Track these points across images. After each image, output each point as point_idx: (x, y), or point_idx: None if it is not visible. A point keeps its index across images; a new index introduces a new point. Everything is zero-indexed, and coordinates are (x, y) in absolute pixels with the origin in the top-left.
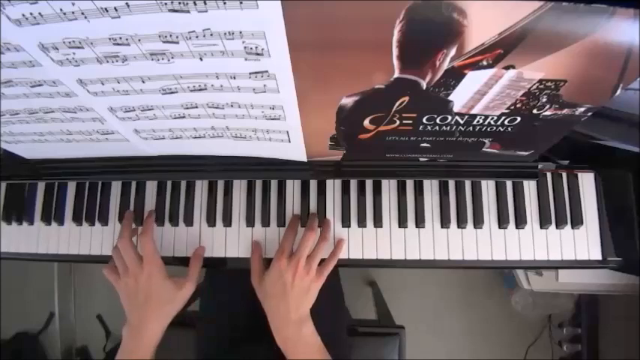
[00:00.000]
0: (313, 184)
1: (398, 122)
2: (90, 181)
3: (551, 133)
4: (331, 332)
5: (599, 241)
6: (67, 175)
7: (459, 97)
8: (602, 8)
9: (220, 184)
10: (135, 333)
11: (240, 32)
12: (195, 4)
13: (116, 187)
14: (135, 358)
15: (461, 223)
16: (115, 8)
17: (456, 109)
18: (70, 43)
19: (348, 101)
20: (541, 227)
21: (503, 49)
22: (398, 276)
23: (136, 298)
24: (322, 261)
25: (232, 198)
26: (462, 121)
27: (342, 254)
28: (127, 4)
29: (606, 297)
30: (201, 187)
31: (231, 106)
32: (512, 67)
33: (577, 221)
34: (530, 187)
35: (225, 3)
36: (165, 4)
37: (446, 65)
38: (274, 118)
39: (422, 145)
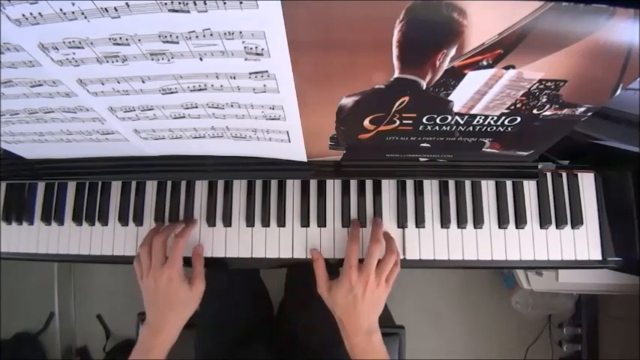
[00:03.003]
0: (313, 184)
1: (398, 122)
2: (90, 181)
3: (551, 133)
4: (332, 332)
5: (599, 241)
6: (67, 175)
7: (459, 97)
8: (602, 8)
9: (220, 184)
10: (152, 331)
11: (240, 32)
12: (195, 4)
13: (116, 187)
14: (150, 355)
15: (461, 223)
16: (115, 8)
17: (456, 109)
18: (70, 43)
19: (348, 101)
20: (541, 227)
21: (503, 49)
22: (398, 276)
23: (156, 299)
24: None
25: (232, 198)
26: (462, 121)
27: (343, 254)
28: (127, 4)
29: (606, 297)
30: (201, 187)
31: (231, 106)
32: (512, 67)
33: (577, 221)
34: (530, 187)
35: (225, 3)
36: (165, 4)
37: (446, 65)
38: (274, 118)
39: (422, 145)
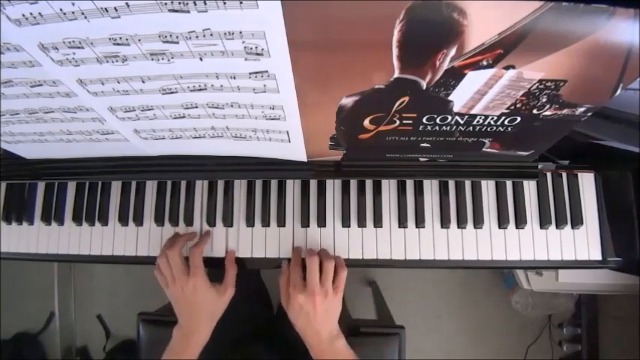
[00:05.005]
0: (313, 184)
1: (398, 122)
2: (90, 181)
3: (551, 133)
4: None
5: (599, 241)
6: (67, 175)
7: (459, 97)
8: (602, 8)
9: (220, 184)
10: (185, 334)
11: (240, 32)
12: (195, 4)
13: (116, 187)
14: (184, 356)
15: (461, 223)
16: (115, 8)
17: (456, 109)
18: (70, 43)
19: (348, 101)
20: (541, 227)
21: (503, 49)
22: (398, 276)
23: (185, 305)
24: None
25: (232, 198)
26: (462, 121)
27: (342, 254)
28: (127, 4)
29: (606, 297)
30: (201, 187)
31: (231, 106)
32: (512, 67)
33: (577, 221)
34: (530, 187)
35: (225, 3)
36: (165, 4)
37: (446, 65)
38: (274, 118)
39: (422, 145)
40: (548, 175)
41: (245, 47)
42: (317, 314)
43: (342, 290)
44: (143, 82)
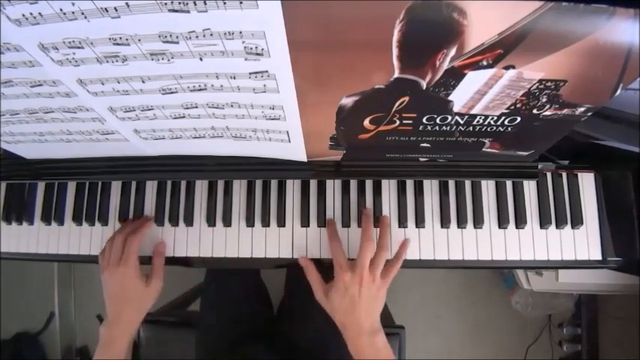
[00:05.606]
0: (313, 184)
1: (398, 122)
2: (90, 181)
3: (551, 133)
4: (332, 332)
5: (599, 241)
6: (67, 175)
7: (459, 97)
8: (602, 8)
9: (220, 184)
10: (109, 325)
11: (240, 32)
12: (195, 4)
13: (116, 187)
14: (111, 348)
15: (461, 223)
16: (115, 8)
17: (456, 109)
18: (70, 43)
19: (348, 101)
20: (541, 227)
21: (503, 49)
22: (398, 276)
23: (112, 294)
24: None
25: (232, 198)
26: (462, 121)
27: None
28: (127, 4)
29: (606, 297)
30: (201, 187)
31: (231, 106)
32: (512, 67)
33: (577, 221)
34: (530, 187)
35: (225, 3)
36: (165, 4)
37: (446, 65)
38: (274, 118)
39: (422, 145)
40: (548, 175)
41: (245, 47)
42: (362, 297)
43: (390, 281)
44: (143, 82)
